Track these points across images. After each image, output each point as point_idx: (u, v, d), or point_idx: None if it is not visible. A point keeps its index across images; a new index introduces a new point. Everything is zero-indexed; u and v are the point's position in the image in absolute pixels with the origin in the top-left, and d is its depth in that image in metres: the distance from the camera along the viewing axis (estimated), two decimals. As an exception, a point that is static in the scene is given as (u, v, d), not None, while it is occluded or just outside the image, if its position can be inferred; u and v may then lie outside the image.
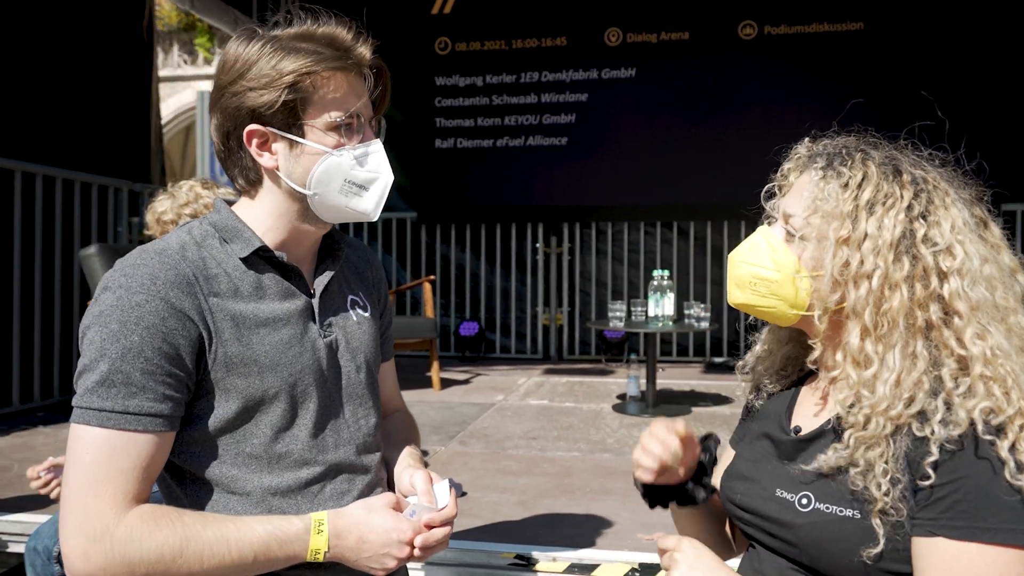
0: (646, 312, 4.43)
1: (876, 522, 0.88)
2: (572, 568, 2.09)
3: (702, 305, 4.38)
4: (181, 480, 1.08)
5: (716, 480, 1.17)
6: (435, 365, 4.91)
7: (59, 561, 1.84)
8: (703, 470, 1.15)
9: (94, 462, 0.95)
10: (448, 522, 1.10)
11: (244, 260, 1.08)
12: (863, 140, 1.03)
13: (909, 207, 0.94)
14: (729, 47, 6.27)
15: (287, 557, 1.01)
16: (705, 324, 4.33)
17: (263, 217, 1.11)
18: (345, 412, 1.16)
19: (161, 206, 2.16)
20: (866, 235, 0.93)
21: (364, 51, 1.08)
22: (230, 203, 1.16)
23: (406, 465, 1.22)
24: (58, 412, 4.20)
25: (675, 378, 5.52)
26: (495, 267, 6.81)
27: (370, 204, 1.12)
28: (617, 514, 2.51)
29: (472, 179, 6.74)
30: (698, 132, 6.32)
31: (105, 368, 0.95)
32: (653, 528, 2.43)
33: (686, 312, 4.48)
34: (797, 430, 1.04)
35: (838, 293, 0.95)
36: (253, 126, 1.06)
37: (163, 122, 16.27)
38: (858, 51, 6.03)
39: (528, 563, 2.10)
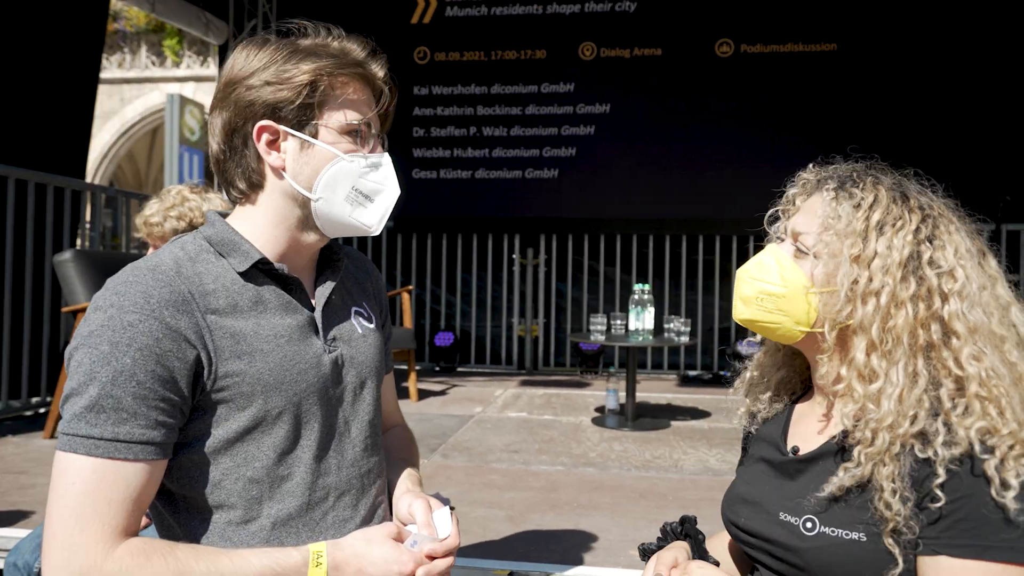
0: (626, 325, 4.45)
1: (889, 542, 0.89)
2: (566, 585, 2.09)
3: (681, 320, 4.41)
4: (175, 508, 1.03)
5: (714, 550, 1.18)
6: (412, 376, 4.89)
7: None
8: (701, 552, 1.14)
9: (81, 492, 0.89)
10: (451, 552, 1.05)
11: (242, 274, 1.04)
12: (871, 166, 1.06)
13: (917, 230, 0.97)
14: (705, 64, 6.37)
15: None
16: (685, 338, 4.37)
17: (262, 227, 1.07)
18: (351, 432, 1.12)
19: (149, 210, 2.16)
20: (876, 254, 0.96)
21: (377, 67, 1.08)
22: (224, 215, 1.11)
23: (405, 490, 1.18)
24: (26, 421, 4.09)
25: (651, 391, 5.55)
26: (471, 277, 6.80)
27: (374, 217, 1.08)
28: (607, 529, 2.52)
29: (449, 189, 6.74)
30: (676, 147, 6.41)
31: (95, 392, 0.90)
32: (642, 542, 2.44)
33: (666, 326, 4.51)
34: (796, 450, 1.05)
35: (847, 309, 0.97)
36: (265, 122, 1.02)
37: (129, 124, 16.05)
38: (832, 71, 6.17)
39: (522, 580, 2.10)
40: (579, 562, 2.21)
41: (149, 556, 0.90)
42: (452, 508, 1.11)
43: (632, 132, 6.48)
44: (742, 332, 6.33)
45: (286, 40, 1.05)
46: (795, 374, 1.15)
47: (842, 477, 0.93)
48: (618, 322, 4.54)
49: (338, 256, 1.17)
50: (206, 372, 0.97)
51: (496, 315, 6.79)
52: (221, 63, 7.10)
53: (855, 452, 0.93)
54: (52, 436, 3.73)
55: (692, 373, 6.33)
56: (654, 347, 6.46)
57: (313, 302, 1.11)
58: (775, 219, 1.11)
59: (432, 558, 1.02)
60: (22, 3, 4.52)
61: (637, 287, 4.41)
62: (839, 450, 0.97)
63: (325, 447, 1.08)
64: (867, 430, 0.92)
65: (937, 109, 5.95)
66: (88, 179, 16.35)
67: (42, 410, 4.34)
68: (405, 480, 1.21)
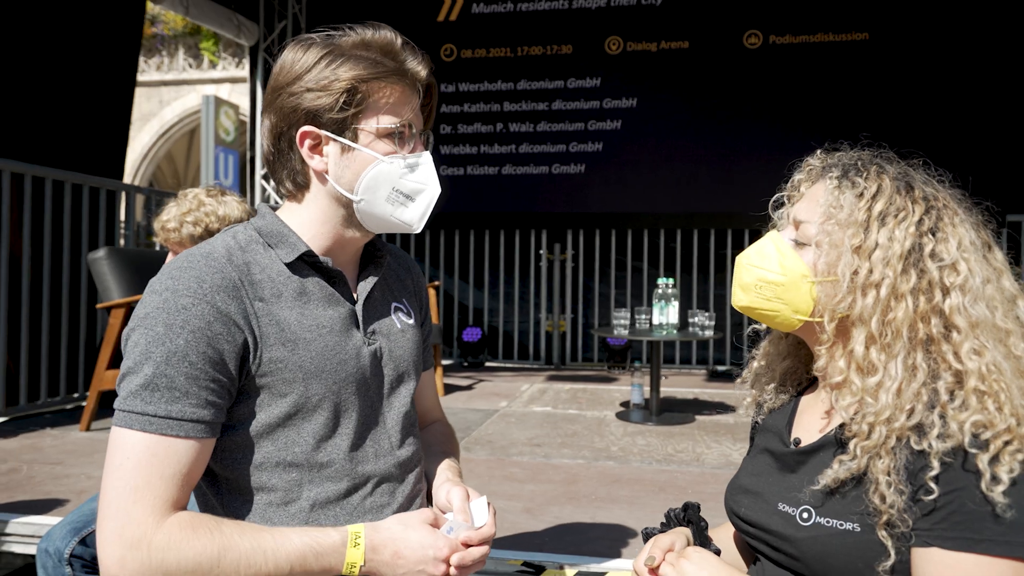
0: (650, 320, 4.44)
1: (883, 534, 0.89)
2: (580, 575, 2.10)
3: (706, 313, 4.39)
4: (217, 488, 1.07)
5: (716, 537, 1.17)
6: (439, 371, 4.93)
7: (70, 563, 1.85)
8: (703, 538, 1.14)
9: (135, 467, 0.93)
10: (486, 541, 1.07)
11: (288, 265, 1.07)
12: (878, 154, 1.05)
13: (920, 221, 0.95)
14: (733, 56, 6.31)
15: (323, 569, 0.98)
16: (709, 332, 4.34)
17: (308, 222, 1.11)
18: (387, 422, 1.15)
19: (166, 214, 2.18)
20: (877, 245, 0.95)
21: (419, 65, 1.09)
22: (274, 208, 1.15)
23: (444, 479, 1.21)
24: (65, 414, 4.22)
25: (678, 386, 5.52)
26: (498, 273, 6.82)
27: (415, 215, 1.11)
28: (624, 522, 2.52)
29: (475, 185, 6.77)
30: (703, 141, 6.36)
31: (149, 372, 0.94)
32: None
33: (690, 320, 4.49)
34: (797, 442, 1.05)
35: (847, 300, 0.96)
36: (307, 127, 1.06)
37: (168, 126, 16.37)
38: (864, 61, 6.06)
39: (536, 570, 2.11)
40: (594, 553, 2.22)
41: (196, 529, 0.94)
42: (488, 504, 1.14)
43: (659, 126, 6.44)
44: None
45: (328, 42, 1.07)
46: (801, 364, 1.14)
47: (837, 470, 0.93)
48: (643, 316, 4.53)
49: (381, 252, 1.21)
50: (252, 356, 1.01)
51: (524, 310, 6.81)
52: (252, 64, 7.22)
53: (851, 445, 0.93)
54: (87, 429, 3.84)
55: (721, 368, 6.28)
56: (682, 342, 6.44)
57: (355, 296, 1.15)
58: (780, 204, 1.11)
59: (467, 545, 1.05)
60: (61, 9, 4.64)
61: (661, 281, 4.40)
62: (837, 443, 0.97)
63: (362, 436, 1.11)
64: (864, 423, 0.92)
65: (975, 99, 5.81)
66: (128, 180, 16.77)
67: (79, 405, 4.47)
68: (445, 470, 1.25)
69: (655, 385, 4.29)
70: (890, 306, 0.93)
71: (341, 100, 1.04)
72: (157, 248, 5.08)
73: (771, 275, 1.02)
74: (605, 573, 2.09)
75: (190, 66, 16.05)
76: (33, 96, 4.47)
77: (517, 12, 6.65)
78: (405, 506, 1.16)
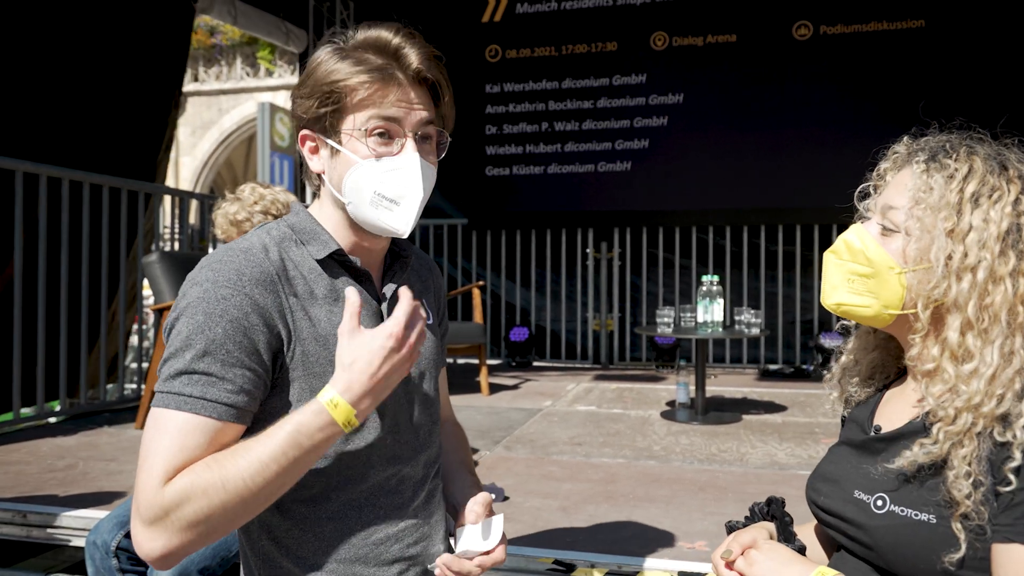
0: (695, 318, 4.38)
1: (957, 526, 0.86)
2: (611, 574, 2.08)
3: (752, 311, 4.30)
4: None
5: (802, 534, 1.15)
6: (483, 370, 4.94)
7: (116, 555, 1.91)
8: (787, 534, 1.10)
9: (168, 443, 0.95)
10: (490, 565, 1.13)
11: (319, 262, 1.10)
12: (967, 136, 1.01)
13: (1016, 201, 0.92)
14: (783, 48, 6.17)
15: (325, 440, 0.97)
16: (756, 330, 4.25)
17: (327, 222, 1.14)
18: (414, 419, 1.17)
19: (232, 207, 2.23)
20: (971, 227, 0.92)
21: (413, 59, 1.06)
22: (307, 206, 1.18)
23: (467, 484, 1.27)
24: (123, 412, 4.37)
25: (727, 385, 5.43)
26: (545, 272, 6.81)
27: (399, 220, 1.08)
28: (659, 521, 2.48)
29: (522, 185, 6.78)
30: (752, 135, 6.23)
31: (189, 357, 0.97)
32: (696, 536, 2.41)
33: (736, 318, 4.41)
34: (878, 429, 1.03)
35: (942, 286, 0.93)
36: (304, 131, 1.10)
37: (226, 133, 16.84)
38: (920, 49, 5.86)
39: (567, 569, 2.10)
40: (628, 552, 2.20)
41: (193, 470, 0.94)
42: (497, 490, 1.18)
43: (706, 121, 6.34)
44: (825, 324, 6.11)
45: (337, 44, 1.08)
46: (890, 357, 1.11)
47: (916, 452, 0.91)
48: (688, 315, 4.47)
49: (407, 253, 1.23)
50: (286, 348, 1.03)
51: (571, 310, 6.78)
52: (301, 71, 7.35)
53: (934, 429, 0.90)
54: (143, 426, 3.96)
55: (772, 367, 6.15)
56: (733, 340, 6.33)
57: (381, 295, 1.16)
58: (865, 195, 1.08)
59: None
60: (111, 21, 4.81)
61: (706, 279, 4.33)
62: (921, 429, 0.94)
63: (387, 434, 1.13)
64: (950, 408, 0.89)
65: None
66: (189, 187, 17.23)
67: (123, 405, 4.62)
68: (464, 474, 1.31)
69: (700, 384, 4.22)
70: (987, 290, 0.90)
71: (320, 103, 1.06)
72: (211, 250, 5.22)
73: (860, 268, 1.00)
74: (638, 572, 2.07)
75: (247, 74, 16.49)
76: (72, 100, 4.61)
77: (561, 11, 6.64)
78: (427, 500, 1.18)
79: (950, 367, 0.91)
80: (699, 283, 4.41)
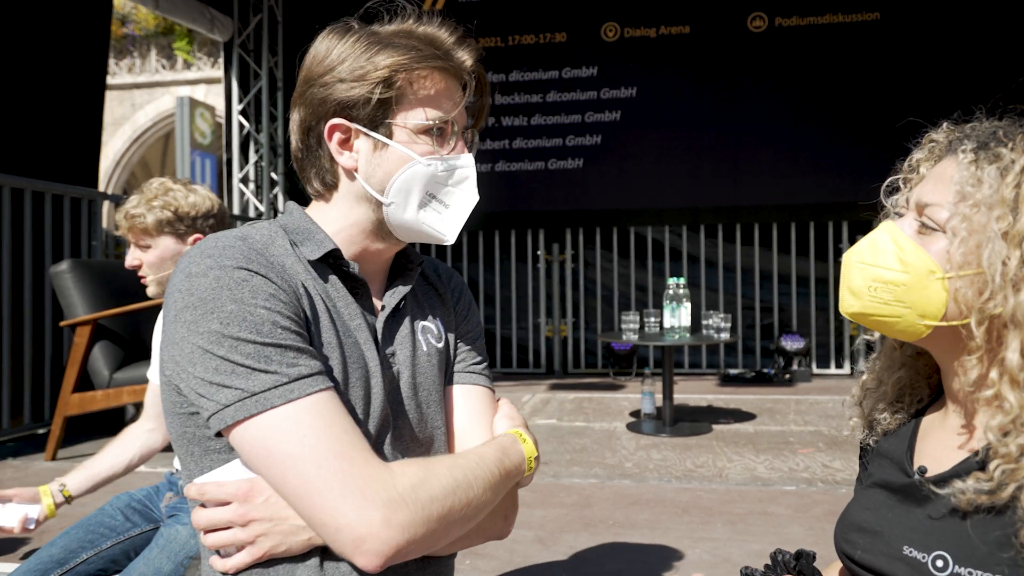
0: (660, 323, 4.13)
1: None
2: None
3: (721, 315, 4.08)
4: None
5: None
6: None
7: None
8: None
9: (318, 437, 0.82)
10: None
11: (314, 266, 0.98)
12: (1020, 123, 0.89)
13: None
14: (738, 40, 6.02)
15: (516, 469, 0.97)
16: (726, 335, 4.04)
17: (335, 224, 1.02)
18: (417, 440, 1.02)
19: (129, 203, 1.96)
20: None
21: (466, 56, 1.00)
22: (303, 206, 1.08)
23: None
24: (29, 442, 3.88)
25: (690, 392, 5.22)
26: (494, 275, 6.52)
27: (449, 225, 1.02)
28: (645, 550, 2.30)
29: (469, 184, 6.47)
30: (708, 131, 6.07)
31: (250, 350, 0.83)
32: (689, 566, 2.15)
33: (704, 323, 4.18)
34: (923, 471, 0.89)
35: (997, 298, 0.80)
36: (337, 120, 0.97)
37: (141, 130, 16.06)
38: (875, 43, 5.79)
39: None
40: (618, 600, 1.90)
41: (415, 462, 0.88)
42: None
43: (661, 116, 6.14)
44: (786, 326, 5.96)
45: (366, 29, 1.00)
46: (920, 376, 0.99)
47: (968, 485, 0.80)
48: (652, 320, 4.23)
49: (412, 264, 1.10)
50: (310, 330, 0.92)
51: (522, 315, 6.50)
52: (227, 62, 6.86)
53: (991, 466, 0.79)
54: (54, 458, 3.52)
55: (733, 372, 5.96)
56: (692, 345, 6.14)
57: (378, 311, 1.04)
58: (893, 190, 0.97)
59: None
60: (24, 11, 4.36)
61: (671, 281, 4.09)
62: (977, 470, 0.82)
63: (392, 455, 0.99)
64: (1013, 444, 0.78)
65: (989, 81, 5.52)
66: (102, 188, 16.43)
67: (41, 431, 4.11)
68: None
69: (668, 393, 3.98)
70: None
71: (376, 91, 0.94)
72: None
73: (889, 273, 0.88)
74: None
75: (163, 67, 15.77)
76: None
77: (506, -2, 6.34)
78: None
79: (1011, 394, 0.80)
80: (663, 286, 4.17)
